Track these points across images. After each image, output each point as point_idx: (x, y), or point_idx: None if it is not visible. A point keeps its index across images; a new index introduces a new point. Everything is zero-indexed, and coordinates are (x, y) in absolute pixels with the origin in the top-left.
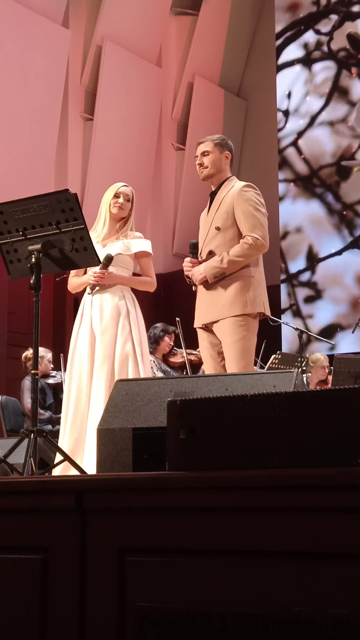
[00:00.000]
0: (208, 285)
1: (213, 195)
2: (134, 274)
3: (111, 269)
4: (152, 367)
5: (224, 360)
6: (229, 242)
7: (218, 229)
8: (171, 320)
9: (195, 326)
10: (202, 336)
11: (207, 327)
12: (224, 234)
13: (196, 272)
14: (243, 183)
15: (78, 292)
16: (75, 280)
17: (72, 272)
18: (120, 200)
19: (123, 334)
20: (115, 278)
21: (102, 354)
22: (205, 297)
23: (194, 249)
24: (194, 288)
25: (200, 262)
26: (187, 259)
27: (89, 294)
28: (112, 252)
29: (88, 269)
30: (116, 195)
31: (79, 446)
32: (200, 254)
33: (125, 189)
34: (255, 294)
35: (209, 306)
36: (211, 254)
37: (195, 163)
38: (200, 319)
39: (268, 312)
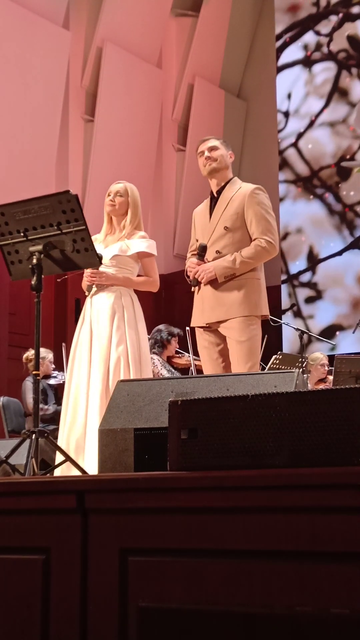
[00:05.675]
0: (215, 284)
1: (218, 194)
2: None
3: (111, 269)
4: (157, 366)
5: (224, 362)
6: (237, 243)
7: (227, 229)
8: (172, 321)
9: (194, 325)
10: (202, 336)
11: (210, 327)
12: (232, 235)
13: (205, 269)
14: (253, 185)
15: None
16: (84, 282)
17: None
18: (111, 197)
19: (117, 335)
20: (109, 278)
21: (98, 356)
22: (211, 297)
23: (203, 252)
24: (193, 288)
25: (205, 263)
26: (194, 259)
27: (86, 295)
28: (111, 253)
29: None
30: (108, 194)
31: (80, 448)
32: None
33: (116, 186)
34: (261, 296)
35: (214, 306)
36: (218, 253)
37: (202, 158)
38: (204, 317)
39: (268, 315)
